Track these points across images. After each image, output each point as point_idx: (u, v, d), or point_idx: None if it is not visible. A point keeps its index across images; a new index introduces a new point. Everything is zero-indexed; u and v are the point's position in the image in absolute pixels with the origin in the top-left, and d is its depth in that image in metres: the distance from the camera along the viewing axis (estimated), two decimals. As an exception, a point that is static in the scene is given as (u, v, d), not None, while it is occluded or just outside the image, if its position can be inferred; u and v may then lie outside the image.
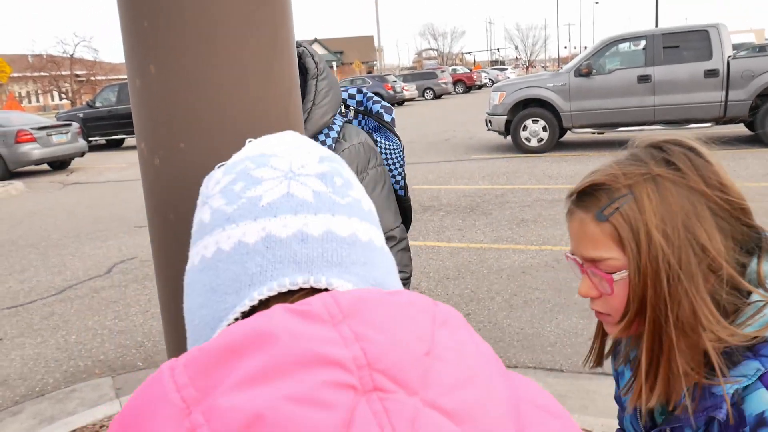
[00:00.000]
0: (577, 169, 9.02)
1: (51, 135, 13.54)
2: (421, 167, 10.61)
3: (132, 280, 5.52)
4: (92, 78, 42.38)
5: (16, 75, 39.45)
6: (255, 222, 0.53)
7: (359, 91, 1.80)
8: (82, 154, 14.60)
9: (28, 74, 42.32)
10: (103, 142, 19.04)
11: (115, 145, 19.33)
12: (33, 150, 13.06)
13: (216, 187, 0.57)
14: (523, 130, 10.96)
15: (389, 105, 1.81)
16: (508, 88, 11.18)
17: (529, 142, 10.97)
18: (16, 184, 11.72)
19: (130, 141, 19.31)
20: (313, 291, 0.50)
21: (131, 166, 14.11)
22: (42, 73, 38.31)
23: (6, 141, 12.96)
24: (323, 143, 1.51)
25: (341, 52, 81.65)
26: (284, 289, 0.50)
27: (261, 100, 0.92)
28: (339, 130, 1.63)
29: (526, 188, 8.02)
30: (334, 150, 1.51)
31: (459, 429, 0.39)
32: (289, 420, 0.37)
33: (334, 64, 68.85)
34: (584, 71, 10.36)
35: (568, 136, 11.72)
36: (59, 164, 14.50)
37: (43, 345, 4.24)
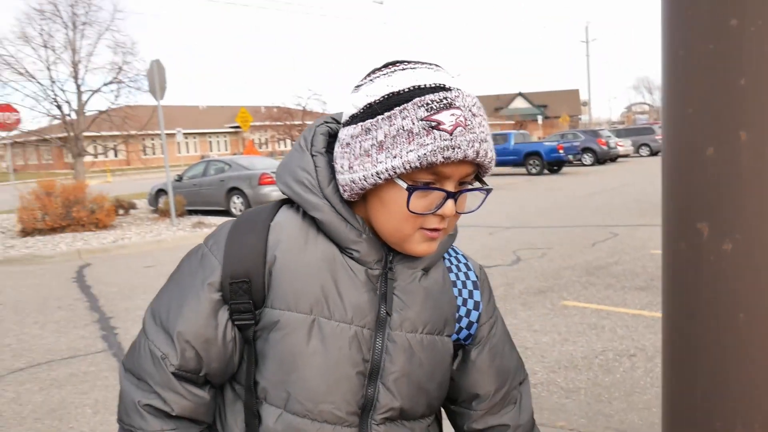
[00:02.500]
0: None
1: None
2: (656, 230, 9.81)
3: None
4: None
5: (255, 124, 44.56)
6: None
7: None
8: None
9: (266, 123, 47.53)
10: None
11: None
12: (272, 192, 14.38)
13: None
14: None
15: None
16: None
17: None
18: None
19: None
20: None
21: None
22: (277, 123, 42.82)
23: (251, 183, 14.44)
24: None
25: (545, 106, 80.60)
26: None
27: None
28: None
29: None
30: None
31: None
32: None
33: (539, 117, 68.15)
34: None
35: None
36: (291, 206, 15.78)
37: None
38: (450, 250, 1.13)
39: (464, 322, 1.08)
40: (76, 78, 16.20)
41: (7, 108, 16.07)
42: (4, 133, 16.46)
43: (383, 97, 0.91)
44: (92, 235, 11.81)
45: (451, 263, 1.11)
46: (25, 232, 12.24)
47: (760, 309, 0.74)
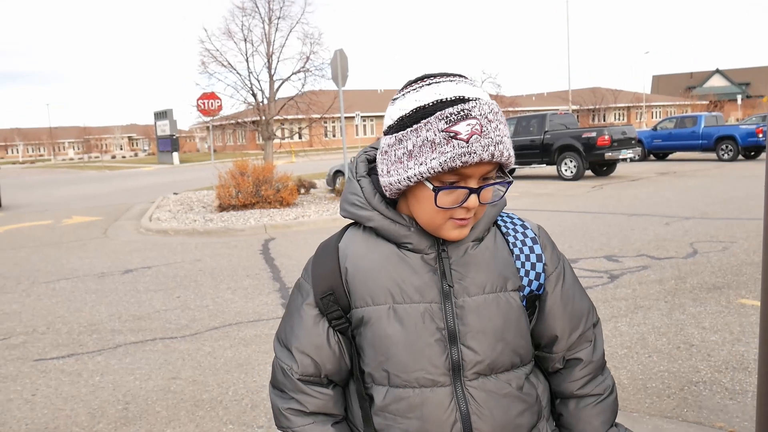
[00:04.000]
0: None
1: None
2: None
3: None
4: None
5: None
6: None
7: None
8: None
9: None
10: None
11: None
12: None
13: None
14: None
15: None
16: None
17: None
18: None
19: (519, 171, 20.28)
20: None
21: (523, 195, 14.79)
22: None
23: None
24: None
25: (747, 84, 72.63)
26: None
27: None
28: None
29: None
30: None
31: None
32: None
33: (738, 97, 61.51)
34: None
35: None
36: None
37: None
38: (505, 218, 1.29)
39: (532, 275, 1.23)
40: (269, 68, 17.73)
41: (212, 96, 18.03)
42: (208, 118, 18.49)
43: (412, 111, 1.10)
44: (277, 212, 12.96)
45: (507, 228, 1.27)
46: (222, 208, 13.74)
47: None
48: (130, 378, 4.53)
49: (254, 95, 17.91)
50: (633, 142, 18.50)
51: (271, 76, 17.83)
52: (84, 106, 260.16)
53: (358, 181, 1.23)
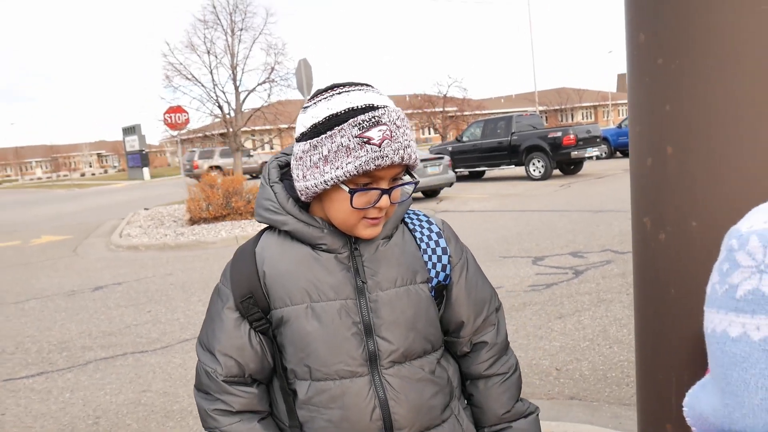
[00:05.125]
0: None
1: (426, 167, 15.18)
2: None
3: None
4: (460, 114, 46.75)
5: (397, 113, 45.55)
6: None
7: None
8: (450, 185, 16.03)
9: (408, 112, 48.61)
10: (467, 173, 20.61)
11: (476, 177, 20.76)
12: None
13: None
14: None
15: None
16: None
17: None
18: (397, 210, 13.43)
19: (489, 173, 20.54)
20: None
21: (492, 197, 14.98)
22: (419, 110, 43.63)
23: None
24: None
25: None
26: None
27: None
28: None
29: None
30: None
31: None
32: None
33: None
34: None
35: None
36: (431, 193, 16.15)
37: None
38: (411, 215, 1.38)
39: (438, 267, 1.33)
40: (234, 80, 17.79)
41: (178, 110, 17.96)
42: (175, 132, 18.42)
43: (325, 118, 1.16)
44: (248, 223, 12.94)
45: (414, 224, 1.36)
46: (193, 221, 13.70)
47: (686, 285, 0.92)
48: (100, 393, 4.55)
49: (220, 107, 17.94)
50: (598, 140, 18.87)
51: (236, 88, 17.91)
52: (51, 125, 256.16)
53: (271, 186, 1.28)
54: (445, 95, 40.77)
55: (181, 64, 17.53)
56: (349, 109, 1.15)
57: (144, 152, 47.50)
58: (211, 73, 17.67)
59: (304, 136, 1.20)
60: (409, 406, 1.26)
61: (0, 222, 20.32)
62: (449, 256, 1.34)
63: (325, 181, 1.17)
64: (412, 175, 1.25)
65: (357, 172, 1.14)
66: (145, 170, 46.86)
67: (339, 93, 1.19)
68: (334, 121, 1.16)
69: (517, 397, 1.41)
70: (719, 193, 0.88)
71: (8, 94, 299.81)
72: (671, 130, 0.92)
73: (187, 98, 20.35)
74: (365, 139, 1.12)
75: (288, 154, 1.31)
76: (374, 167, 1.13)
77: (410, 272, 1.29)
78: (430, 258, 1.32)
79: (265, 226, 1.34)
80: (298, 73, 13.62)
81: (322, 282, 1.25)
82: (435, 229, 1.37)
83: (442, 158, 15.89)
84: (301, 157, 1.21)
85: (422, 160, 15.21)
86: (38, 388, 4.80)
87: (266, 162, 1.36)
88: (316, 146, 1.17)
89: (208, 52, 17.64)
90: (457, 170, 19.62)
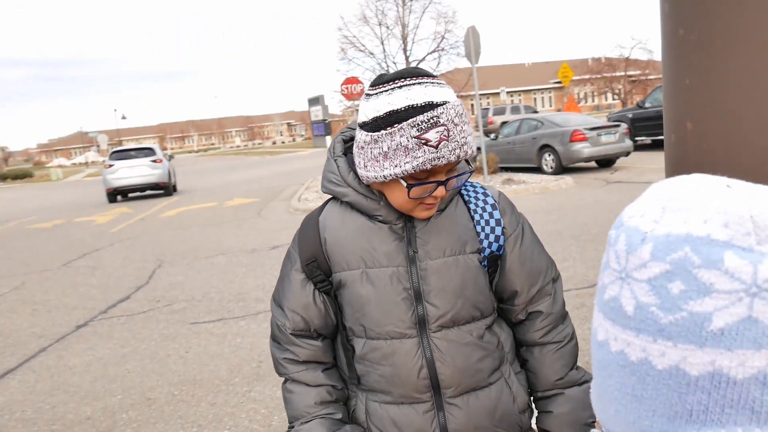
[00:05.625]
0: None
1: (601, 135, 14.44)
2: None
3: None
4: (644, 78, 43.27)
5: (576, 78, 43.49)
6: (701, 351, 0.45)
7: None
8: (627, 154, 15.10)
9: (586, 77, 46.02)
10: (649, 142, 19.22)
11: (659, 146, 19.27)
12: (584, 149, 14.20)
13: (642, 271, 0.49)
14: None
15: None
16: None
17: None
18: (567, 179, 13.00)
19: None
20: None
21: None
22: (597, 75, 41.09)
23: (562, 140, 14.45)
24: None
25: None
26: None
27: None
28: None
29: None
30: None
31: None
32: None
33: None
34: None
35: None
36: (605, 162, 15.35)
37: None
38: (468, 187, 1.42)
39: (492, 238, 1.37)
40: (405, 50, 18.13)
41: (354, 80, 18.75)
42: (350, 103, 19.28)
43: (386, 113, 1.20)
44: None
45: (470, 196, 1.40)
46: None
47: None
48: (265, 341, 5.08)
49: (392, 78, 18.41)
50: None
51: (407, 58, 18.25)
52: (247, 97, 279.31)
53: (335, 160, 1.38)
54: (627, 58, 37.86)
55: (354, 36, 18.28)
56: (408, 106, 1.18)
57: (327, 121, 50.12)
58: (382, 44, 18.23)
59: (365, 126, 1.25)
60: (454, 368, 1.34)
61: (202, 186, 22.87)
62: (503, 228, 1.38)
63: (384, 176, 1.23)
64: (468, 162, 1.31)
65: (414, 171, 1.19)
66: (328, 138, 49.44)
67: (400, 87, 1.21)
68: (394, 118, 1.19)
69: (571, 365, 1.43)
70: (738, 175, 0.86)
71: (214, 71, 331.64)
72: (691, 105, 0.89)
73: (360, 69, 21.09)
74: (423, 141, 1.17)
75: (353, 129, 1.41)
76: (430, 167, 1.19)
77: (460, 243, 1.35)
78: (483, 229, 1.37)
79: (330, 196, 1.45)
80: (466, 41, 13.52)
81: (376, 250, 1.34)
82: (490, 201, 1.40)
83: (618, 126, 15.00)
84: (362, 147, 1.26)
85: (596, 128, 14.50)
86: (216, 332, 5.48)
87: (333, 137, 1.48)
88: (377, 141, 1.22)
89: (380, 24, 18.16)
90: (638, 139, 18.38)
